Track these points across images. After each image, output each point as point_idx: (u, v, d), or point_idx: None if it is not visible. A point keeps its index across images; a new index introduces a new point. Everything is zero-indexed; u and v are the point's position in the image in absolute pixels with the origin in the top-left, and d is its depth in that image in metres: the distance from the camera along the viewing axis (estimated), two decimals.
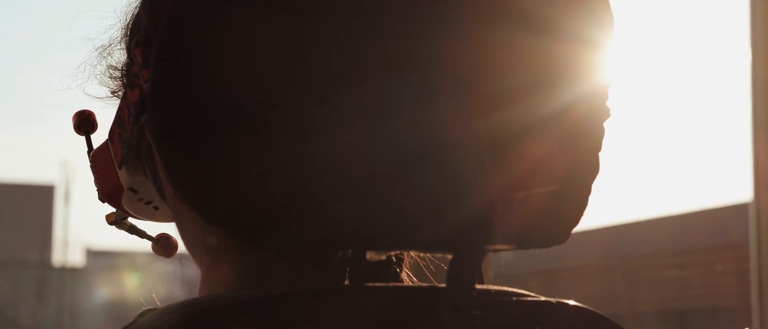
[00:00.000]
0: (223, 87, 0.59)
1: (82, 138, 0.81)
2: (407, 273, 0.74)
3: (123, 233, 0.83)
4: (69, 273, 23.24)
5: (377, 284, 0.64)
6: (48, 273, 23.23)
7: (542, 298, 0.66)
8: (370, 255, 0.64)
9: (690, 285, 11.77)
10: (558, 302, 0.66)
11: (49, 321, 22.17)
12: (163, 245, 0.84)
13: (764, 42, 2.43)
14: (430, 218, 0.60)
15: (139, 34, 0.67)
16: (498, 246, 0.61)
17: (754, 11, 2.46)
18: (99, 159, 0.76)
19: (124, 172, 0.74)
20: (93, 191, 0.79)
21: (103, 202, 0.79)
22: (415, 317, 0.61)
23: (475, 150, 0.59)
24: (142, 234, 0.83)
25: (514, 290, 0.66)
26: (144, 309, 0.67)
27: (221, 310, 0.60)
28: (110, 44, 0.76)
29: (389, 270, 0.72)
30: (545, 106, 0.62)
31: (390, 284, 0.66)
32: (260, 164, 0.59)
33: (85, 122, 0.81)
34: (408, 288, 0.64)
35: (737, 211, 10.75)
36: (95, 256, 24.71)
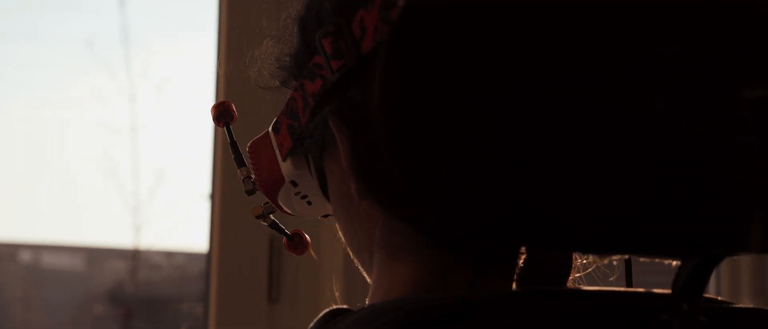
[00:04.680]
0: (458, 85, 0.55)
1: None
2: (578, 278, 0.71)
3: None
4: None
5: (594, 288, 0.61)
6: None
7: (749, 306, 0.63)
8: (593, 259, 0.60)
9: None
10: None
11: None
12: (296, 242, 0.82)
13: None
14: (668, 223, 0.56)
15: (329, 25, 0.63)
16: (737, 253, 0.58)
17: None
18: (258, 150, 0.72)
19: (288, 164, 0.70)
20: None
21: (252, 194, 0.75)
22: (639, 323, 0.58)
23: (742, 160, 0.55)
24: (280, 230, 0.80)
25: (713, 297, 0.64)
26: (331, 308, 0.63)
27: (448, 311, 0.57)
28: (283, 33, 0.72)
29: (565, 273, 0.69)
30: None
31: (604, 288, 0.62)
32: (492, 166, 0.55)
33: (224, 114, 0.78)
34: (623, 292, 0.61)
35: None
36: None
